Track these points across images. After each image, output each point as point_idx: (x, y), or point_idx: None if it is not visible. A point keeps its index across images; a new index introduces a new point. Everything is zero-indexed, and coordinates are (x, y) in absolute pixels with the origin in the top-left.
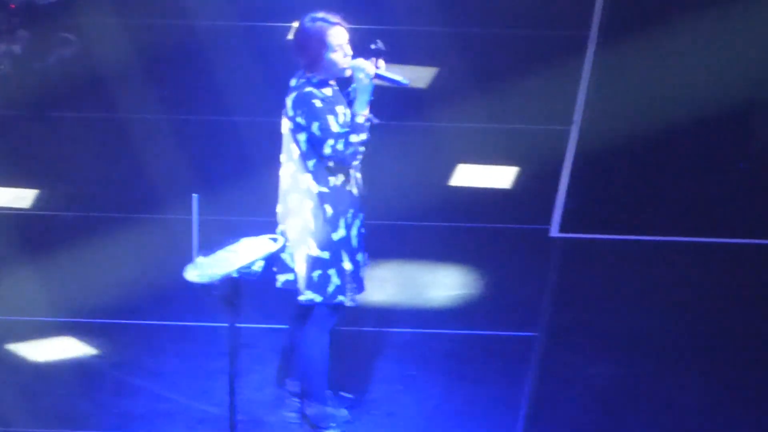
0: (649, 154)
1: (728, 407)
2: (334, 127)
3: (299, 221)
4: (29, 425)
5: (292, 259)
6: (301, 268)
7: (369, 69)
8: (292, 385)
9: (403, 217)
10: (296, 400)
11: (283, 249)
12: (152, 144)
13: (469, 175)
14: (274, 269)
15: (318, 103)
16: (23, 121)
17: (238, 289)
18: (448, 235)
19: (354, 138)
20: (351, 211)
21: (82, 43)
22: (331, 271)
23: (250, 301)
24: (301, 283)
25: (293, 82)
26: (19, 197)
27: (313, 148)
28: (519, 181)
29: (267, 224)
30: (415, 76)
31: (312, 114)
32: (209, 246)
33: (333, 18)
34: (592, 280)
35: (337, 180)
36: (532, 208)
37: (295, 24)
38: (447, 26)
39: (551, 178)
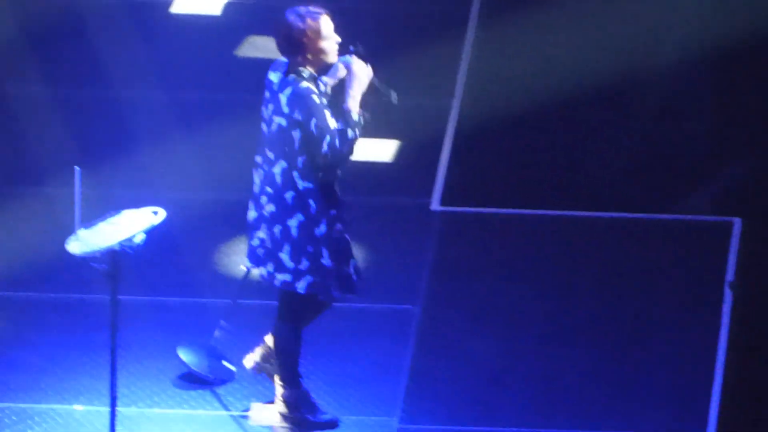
0: (530, 128)
1: (606, 381)
2: (332, 124)
3: (298, 216)
4: None
5: (290, 258)
6: (294, 258)
7: (368, 69)
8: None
9: None
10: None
11: (269, 247)
12: (32, 116)
13: None
14: (269, 269)
15: (316, 99)
16: None
17: (120, 262)
18: None
19: (351, 134)
20: (334, 210)
21: None
22: (312, 266)
23: (131, 274)
24: (288, 272)
25: (275, 77)
26: None
27: (306, 145)
28: (400, 154)
29: (148, 197)
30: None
31: (310, 110)
32: (91, 219)
33: (317, 9)
34: (473, 254)
35: (323, 177)
36: (414, 182)
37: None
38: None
39: (433, 152)
